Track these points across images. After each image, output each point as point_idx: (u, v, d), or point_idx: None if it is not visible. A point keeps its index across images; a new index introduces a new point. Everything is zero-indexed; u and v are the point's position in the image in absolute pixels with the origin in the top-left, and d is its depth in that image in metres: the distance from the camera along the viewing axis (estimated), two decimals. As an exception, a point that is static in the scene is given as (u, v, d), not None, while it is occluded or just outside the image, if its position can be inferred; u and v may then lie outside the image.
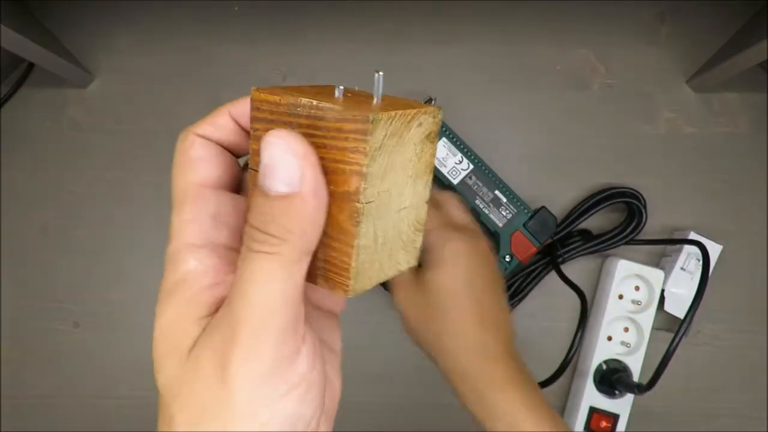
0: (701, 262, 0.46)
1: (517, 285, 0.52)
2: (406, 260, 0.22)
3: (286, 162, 0.17)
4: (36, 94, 0.57)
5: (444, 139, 0.50)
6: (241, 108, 0.22)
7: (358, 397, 0.52)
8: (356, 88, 0.22)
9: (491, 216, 0.50)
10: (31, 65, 0.57)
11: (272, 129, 0.18)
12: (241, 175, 0.23)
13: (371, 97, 0.20)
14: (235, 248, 0.20)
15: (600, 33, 0.56)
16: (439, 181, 0.51)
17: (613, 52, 0.56)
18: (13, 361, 0.54)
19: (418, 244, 0.23)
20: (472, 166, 0.50)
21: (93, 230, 0.55)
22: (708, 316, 0.53)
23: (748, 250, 0.53)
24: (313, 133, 0.18)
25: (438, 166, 0.50)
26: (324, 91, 0.20)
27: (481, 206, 0.50)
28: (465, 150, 0.50)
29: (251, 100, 0.20)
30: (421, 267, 0.35)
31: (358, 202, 0.18)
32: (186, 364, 0.18)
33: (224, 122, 0.22)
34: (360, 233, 0.19)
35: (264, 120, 0.19)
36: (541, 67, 0.56)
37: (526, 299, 0.53)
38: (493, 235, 0.51)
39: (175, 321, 0.19)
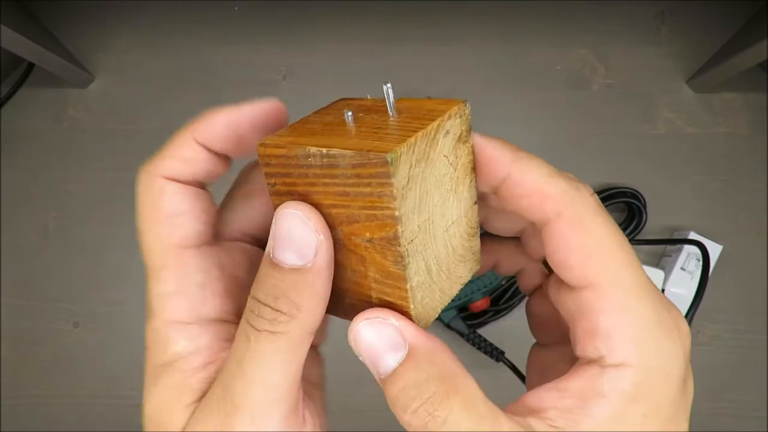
0: (701, 262, 0.46)
1: (517, 286, 0.52)
2: (468, 269, 0.20)
3: (301, 234, 0.16)
4: (36, 94, 0.57)
5: (444, 139, 0.50)
6: (207, 131, 0.18)
7: (358, 397, 0.52)
8: (367, 97, 0.20)
9: (491, 216, 0.50)
10: (31, 65, 0.57)
11: (288, 180, 0.17)
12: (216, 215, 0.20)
13: (385, 113, 0.18)
14: (227, 320, 0.18)
15: (600, 33, 0.56)
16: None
17: (613, 52, 0.56)
18: (13, 361, 0.54)
19: (477, 248, 0.20)
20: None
21: (93, 230, 0.55)
22: (708, 316, 0.53)
23: (748, 250, 0.53)
24: (331, 181, 0.16)
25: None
26: (333, 121, 0.18)
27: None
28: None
29: (258, 155, 0.17)
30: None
31: (400, 246, 0.16)
32: None
33: (192, 153, 0.18)
34: (410, 275, 0.17)
35: (277, 174, 0.17)
36: (541, 67, 0.56)
37: (527, 299, 0.53)
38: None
39: (163, 407, 0.17)
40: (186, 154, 0.18)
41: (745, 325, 0.53)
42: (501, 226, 0.20)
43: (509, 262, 0.22)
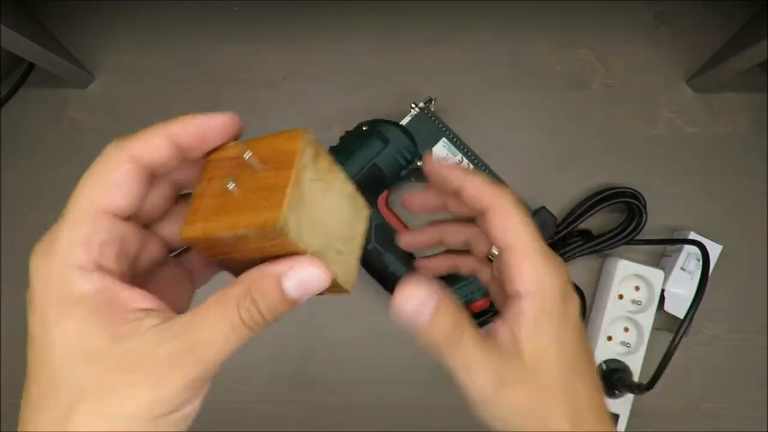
0: (701, 262, 0.46)
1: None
2: (363, 220, 0.26)
3: (313, 281, 0.22)
4: (36, 94, 0.57)
5: (444, 139, 0.50)
6: (179, 130, 0.22)
7: (358, 397, 0.52)
8: (229, 145, 0.24)
9: (491, 216, 0.50)
10: (31, 65, 0.57)
11: (215, 251, 0.22)
12: (161, 203, 0.24)
13: (254, 169, 0.22)
14: (123, 272, 0.22)
15: (600, 33, 0.56)
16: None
17: (613, 52, 0.56)
18: (13, 361, 0.54)
19: (360, 201, 0.26)
20: (471, 167, 0.50)
21: (93, 230, 0.55)
22: (708, 316, 0.53)
23: (748, 250, 0.53)
24: (246, 245, 0.21)
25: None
26: (221, 191, 0.22)
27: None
28: (465, 150, 0.50)
29: (186, 243, 0.23)
30: (499, 317, 0.27)
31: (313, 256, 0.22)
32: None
33: (160, 142, 0.22)
34: (329, 266, 0.23)
35: (205, 249, 0.23)
36: (541, 67, 0.56)
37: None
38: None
39: (84, 335, 0.20)
40: (155, 142, 0.22)
41: (745, 325, 0.53)
42: (454, 210, 0.29)
43: (454, 237, 0.30)
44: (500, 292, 0.28)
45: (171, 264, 0.26)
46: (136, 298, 0.21)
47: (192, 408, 0.21)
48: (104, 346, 0.20)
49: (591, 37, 0.56)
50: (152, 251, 0.25)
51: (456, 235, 0.30)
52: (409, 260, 0.50)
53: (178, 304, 0.26)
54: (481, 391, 0.24)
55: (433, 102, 0.51)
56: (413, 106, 0.50)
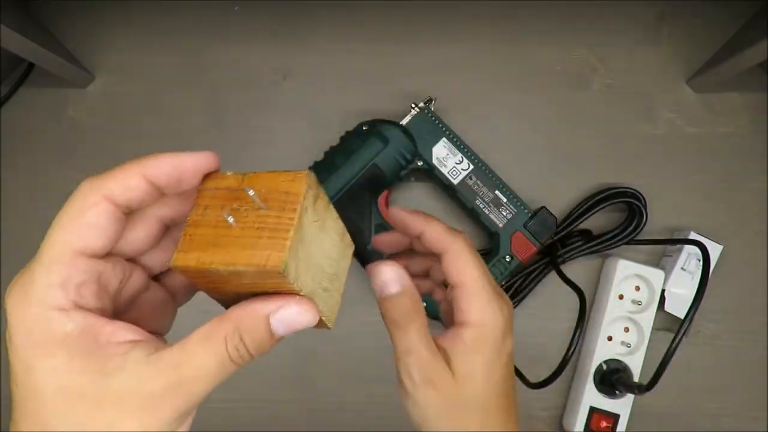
0: (701, 262, 0.46)
1: (518, 285, 0.53)
2: (348, 257, 0.26)
3: (300, 321, 0.22)
4: (36, 94, 0.57)
5: (444, 139, 0.50)
6: (155, 169, 0.22)
7: (356, 398, 0.52)
8: (227, 174, 0.24)
9: (491, 216, 0.50)
10: (31, 65, 0.57)
11: (206, 281, 0.22)
12: (145, 238, 0.25)
13: (253, 202, 0.22)
14: (105, 307, 0.22)
15: (600, 33, 0.56)
16: (440, 181, 0.51)
17: (613, 52, 0.56)
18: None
19: (348, 238, 0.26)
20: (472, 166, 0.50)
21: (93, 230, 0.55)
22: (708, 316, 0.53)
23: (748, 250, 0.53)
24: (239, 281, 0.21)
25: (438, 166, 0.50)
26: (218, 222, 0.22)
27: (481, 206, 0.50)
28: (465, 150, 0.50)
29: (178, 272, 0.22)
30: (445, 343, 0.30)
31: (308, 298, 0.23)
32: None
33: (136, 183, 0.22)
34: (324, 301, 0.24)
35: (196, 278, 0.23)
36: (541, 67, 0.56)
37: (526, 299, 0.53)
38: (492, 235, 0.51)
39: (70, 374, 0.20)
40: (131, 182, 0.22)
41: (745, 325, 0.53)
42: (418, 247, 0.32)
43: (418, 266, 0.34)
44: (448, 313, 0.31)
45: (153, 287, 0.26)
46: (120, 331, 0.21)
47: (184, 427, 0.22)
48: (92, 382, 0.20)
49: (591, 37, 0.56)
50: (135, 281, 0.25)
51: (418, 264, 0.34)
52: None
53: (161, 325, 0.27)
54: (409, 380, 0.28)
55: (433, 102, 0.51)
56: (413, 106, 0.50)
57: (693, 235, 0.51)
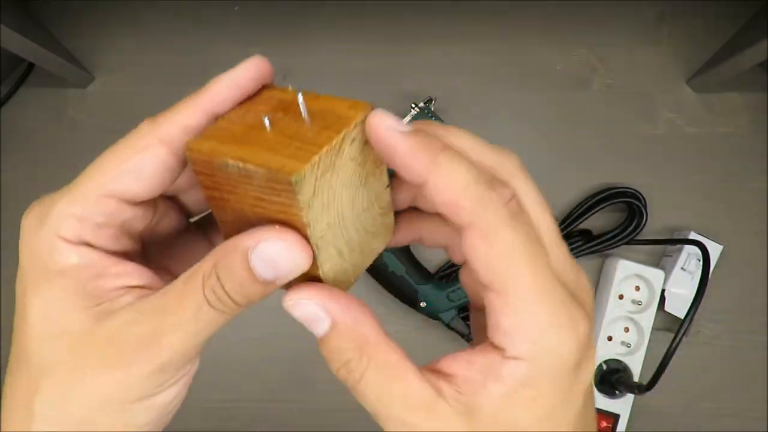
0: (701, 262, 0.46)
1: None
2: (381, 242, 0.23)
3: (284, 260, 0.18)
4: (36, 94, 0.57)
5: (444, 139, 0.50)
6: (216, 101, 0.20)
7: (355, 398, 0.52)
8: (288, 88, 0.21)
9: (491, 216, 0.50)
10: (31, 65, 0.57)
11: (214, 180, 0.19)
12: (191, 177, 0.22)
13: (300, 116, 0.19)
14: (123, 248, 0.21)
15: (600, 33, 0.56)
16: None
17: (613, 52, 0.56)
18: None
19: (390, 222, 0.23)
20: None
21: (93, 230, 0.55)
22: (708, 316, 0.53)
23: (748, 250, 0.53)
24: (250, 187, 0.18)
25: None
26: (253, 123, 0.19)
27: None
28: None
29: (187, 158, 0.19)
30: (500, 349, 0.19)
31: (309, 242, 0.18)
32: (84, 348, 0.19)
33: (197, 123, 0.20)
34: (321, 262, 0.19)
35: (204, 174, 0.19)
36: (541, 67, 0.56)
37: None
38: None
39: (56, 308, 0.19)
40: (191, 122, 0.19)
41: (745, 325, 0.53)
42: (425, 206, 0.23)
43: (432, 237, 0.24)
44: (477, 315, 0.23)
45: (190, 230, 0.24)
46: (128, 275, 0.20)
47: (165, 397, 0.19)
48: (79, 323, 0.19)
49: (591, 37, 0.56)
50: (171, 220, 0.23)
51: (434, 235, 0.24)
52: (410, 260, 0.50)
53: None
54: None
55: (433, 102, 0.51)
56: (413, 106, 0.50)
57: (693, 235, 0.51)
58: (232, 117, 0.20)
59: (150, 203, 0.21)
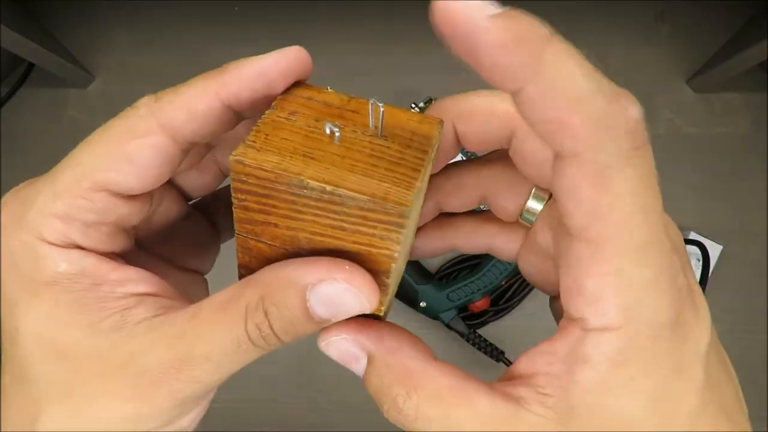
0: (701, 262, 0.46)
1: (518, 285, 0.52)
2: (407, 260, 0.20)
3: (349, 304, 0.16)
4: (36, 94, 0.57)
5: (444, 139, 0.50)
6: (236, 89, 0.17)
7: (356, 398, 0.52)
8: (328, 89, 0.18)
9: (491, 216, 0.50)
10: (31, 65, 0.57)
11: (267, 201, 0.15)
12: (191, 162, 0.20)
13: (366, 128, 0.17)
14: (120, 246, 0.18)
15: (600, 33, 0.56)
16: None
17: (613, 52, 0.56)
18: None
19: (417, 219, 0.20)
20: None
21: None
22: (708, 316, 0.52)
23: (748, 250, 0.53)
24: (325, 215, 0.15)
25: (438, 166, 0.50)
26: (311, 132, 0.16)
27: (481, 207, 0.50)
28: (464, 150, 0.50)
29: (232, 170, 0.15)
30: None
31: (387, 278, 0.16)
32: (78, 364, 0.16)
33: (207, 110, 0.17)
34: (390, 290, 0.17)
35: (253, 193, 0.15)
36: (541, 67, 0.56)
37: (526, 299, 0.53)
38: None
39: (54, 325, 0.16)
40: (201, 108, 0.16)
41: (745, 325, 0.53)
42: (455, 203, 0.20)
43: (470, 243, 0.21)
44: (547, 272, 0.19)
45: (193, 216, 0.22)
46: (130, 281, 0.17)
47: (186, 421, 0.18)
48: (80, 339, 0.16)
49: (591, 37, 0.56)
50: (171, 207, 0.20)
51: (472, 239, 0.21)
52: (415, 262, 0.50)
53: (202, 262, 0.22)
54: None
55: (433, 102, 0.51)
56: (413, 106, 0.50)
57: (693, 235, 0.51)
58: (275, 120, 0.16)
59: (146, 195, 0.18)
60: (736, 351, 0.55)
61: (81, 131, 0.19)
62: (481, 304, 0.49)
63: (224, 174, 0.22)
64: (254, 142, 0.15)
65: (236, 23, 0.57)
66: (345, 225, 0.15)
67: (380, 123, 0.16)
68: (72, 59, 0.55)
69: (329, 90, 0.18)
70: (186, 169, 0.20)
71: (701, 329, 0.15)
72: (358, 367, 0.17)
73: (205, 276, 0.23)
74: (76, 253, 0.17)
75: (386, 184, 0.15)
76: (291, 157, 0.15)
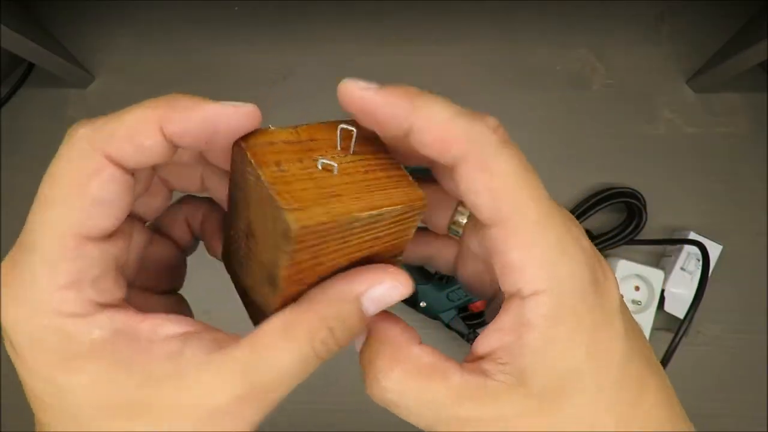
0: (701, 262, 0.46)
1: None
2: None
3: (393, 296, 0.18)
4: (36, 94, 0.57)
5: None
6: (181, 124, 0.17)
7: (357, 397, 0.52)
8: (270, 128, 0.19)
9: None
10: (31, 65, 0.57)
11: (323, 248, 0.17)
12: (159, 205, 0.21)
13: (334, 150, 0.19)
14: (116, 306, 0.17)
15: (600, 33, 0.56)
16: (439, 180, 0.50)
17: (613, 52, 0.56)
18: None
19: None
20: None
21: (93, 230, 0.55)
22: (708, 316, 0.53)
23: (748, 250, 0.53)
24: (367, 234, 0.18)
25: (438, 166, 0.50)
26: (317, 173, 0.18)
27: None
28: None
29: (291, 238, 0.16)
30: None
31: (401, 255, 0.20)
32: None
33: (152, 144, 0.16)
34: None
35: (311, 247, 0.17)
36: (541, 67, 0.56)
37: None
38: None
39: (109, 386, 0.16)
40: (146, 142, 0.16)
41: (745, 325, 0.53)
42: (411, 155, 0.23)
43: (410, 256, 0.24)
44: (480, 274, 0.22)
45: (155, 240, 0.22)
46: (162, 325, 0.17)
47: None
48: (141, 395, 0.16)
49: (591, 37, 0.56)
50: (138, 238, 0.20)
51: (443, 252, 0.24)
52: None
53: (175, 281, 0.23)
54: None
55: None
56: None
57: (693, 235, 0.51)
58: (276, 177, 0.17)
59: (121, 228, 0.18)
60: (736, 351, 0.56)
61: (81, 131, 0.18)
62: (481, 304, 0.49)
63: (171, 193, 0.22)
64: (291, 204, 0.16)
65: (236, 23, 0.57)
66: (380, 234, 0.18)
67: (353, 144, 0.18)
68: (72, 59, 0.55)
69: (273, 128, 0.19)
70: (139, 195, 0.20)
71: (612, 285, 0.17)
72: (358, 342, 0.19)
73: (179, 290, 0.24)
74: (102, 316, 0.16)
75: (400, 189, 0.18)
76: (327, 201, 0.17)
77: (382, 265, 0.18)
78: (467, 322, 0.50)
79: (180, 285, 0.23)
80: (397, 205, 0.17)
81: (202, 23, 0.57)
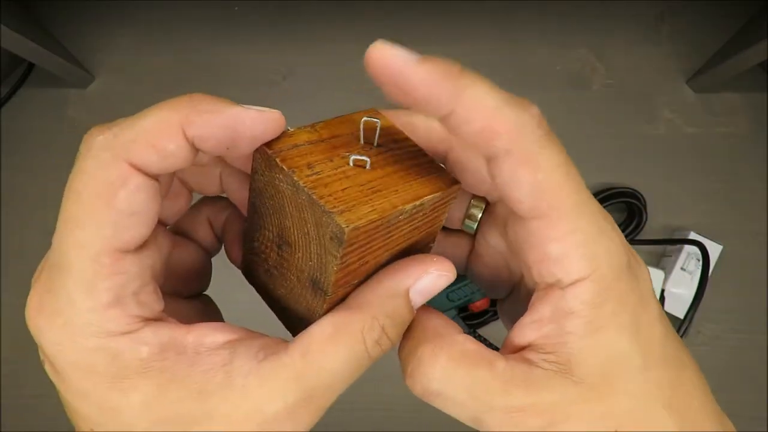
0: (701, 262, 0.46)
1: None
2: None
3: (439, 285, 0.18)
4: (36, 94, 0.57)
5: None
6: (204, 128, 0.16)
7: (356, 397, 0.52)
8: (313, 128, 0.19)
9: (491, 216, 0.50)
10: (31, 65, 0.57)
11: (368, 246, 0.17)
12: (179, 209, 0.20)
13: (357, 144, 0.18)
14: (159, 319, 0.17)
15: (600, 33, 0.56)
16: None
17: (613, 52, 0.56)
18: (13, 361, 0.54)
19: None
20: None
21: (93, 230, 0.55)
22: (708, 316, 0.53)
23: (748, 250, 0.53)
24: (408, 226, 0.18)
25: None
26: (352, 172, 0.17)
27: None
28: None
29: (343, 241, 0.16)
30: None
31: (434, 242, 0.20)
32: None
33: (176, 148, 0.15)
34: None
35: (360, 247, 0.17)
36: (541, 67, 0.56)
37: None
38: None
39: (165, 403, 0.16)
40: (169, 147, 0.15)
41: (745, 325, 0.53)
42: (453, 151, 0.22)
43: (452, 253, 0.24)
44: (497, 269, 0.22)
45: (179, 242, 0.22)
46: (206, 336, 0.17)
47: None
48: (195, 408, 0.16)
49: (591, 37, 0.56)
50: (163, 242, 0.20)
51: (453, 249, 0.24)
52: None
53: (202, 282, 0.23)
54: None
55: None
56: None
57: (693, 235, 0.51)
58: (313, 180, 0.17)
59: (152, 236, 0.17)
60: (736, 351, 0.55)
61: (81, 131, 0.18)
62: (481, 304, 0.49)
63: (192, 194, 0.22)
64: (336, 206, 0.16)
65: (236, 23, 0.57)
66: (419, 224, 0.18)
67: (377, 136, 0.18)
68: (72, 59, 0.55)
69: (293, 129, 0.18)
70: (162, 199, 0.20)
71: (644, 269, 0.18)
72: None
73: (206, 291, 0.23)
74: (147, 331, 0.16)
75: (433, 176, 0.18)
76: (369, 199, 0.17)
77: (422, 255, 0.18)
78: (467, 322, 0.50)
79: (206, 286, 0.23)
80: (437, 192, 0.18)
81: (202, 23, 0.57)
